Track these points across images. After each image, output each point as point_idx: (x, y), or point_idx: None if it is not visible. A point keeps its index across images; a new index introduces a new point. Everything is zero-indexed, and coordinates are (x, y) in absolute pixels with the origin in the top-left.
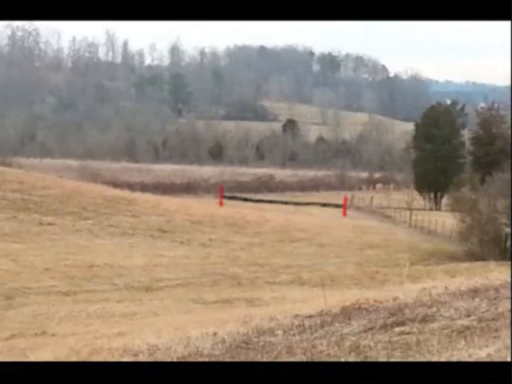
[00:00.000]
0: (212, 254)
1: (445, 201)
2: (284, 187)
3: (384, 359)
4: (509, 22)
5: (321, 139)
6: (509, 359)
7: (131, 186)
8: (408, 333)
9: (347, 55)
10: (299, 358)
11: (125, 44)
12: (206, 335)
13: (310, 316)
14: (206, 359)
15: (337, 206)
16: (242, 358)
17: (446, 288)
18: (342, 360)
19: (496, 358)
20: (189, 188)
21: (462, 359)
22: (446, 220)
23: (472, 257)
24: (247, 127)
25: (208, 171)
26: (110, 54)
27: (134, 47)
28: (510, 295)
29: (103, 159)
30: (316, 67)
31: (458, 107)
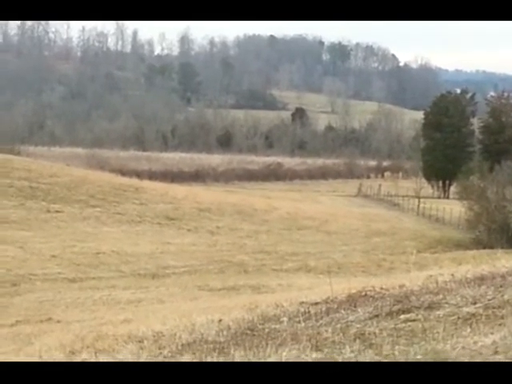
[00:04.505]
0: (219, 241)
1: (453, 189)
2: (293, 175)
3: (389, 346)
4: None
5: (330, 128)
6: None
7: (139, 174)
8: (414, 320)
9: (357, 44)
10: (304, 344)
11: (134, 33)
12: (211, 322)
13: (316, 303)
14: (211, 346)
15: (345, 193)
16: (247, 345)
17: (453, 275)
18: (347, 347)
19: (501, 345)
20: (197, 176)
21: (468, 346)
22: (453, 208)
23: (479, 245)
24: (256, 116)
25: (217, 159)
26: (120, 43)
27: (143, 37)
28: None
29: (112, 148)
30: (326, 56)
31: (468, 96)
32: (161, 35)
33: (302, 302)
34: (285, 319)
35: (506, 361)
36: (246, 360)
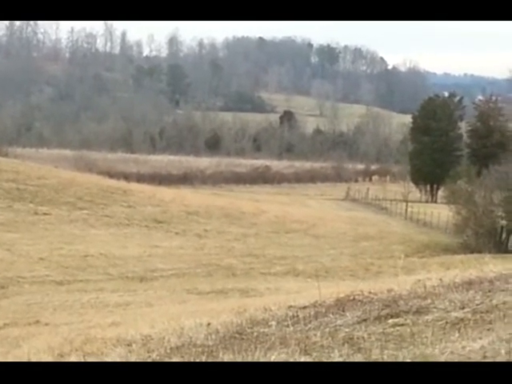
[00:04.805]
0: (207, 244)
1: (441, 193)
2: (280, 178)
3: (378, 351)
4: None
5: (318, 131)
6: (502, 352)
7: (127, 177)
8: (402, 324)
9: (346, 47)
10: (293, 348)
11: (123, 35)
12: (199, 325)
13: (304, 307)
14: (200, 349)
15: (333, 197)
16: (236, 349)
17: (441, 280)
18: (336, 351)
19: (489, 350)
20: (185, 179)
21: (456, 351)
22: (441, 212)
23: (467, 249)
24: (244, 118)
25: (205, 162)
26: (108, 44)
27: (132, 38)
28: (504, 288)
29: (100, 150)
30: (314, 59)
31: (456, 99)
32: (149, 36)
33: (291, 306)
34: (273, 323)
35: (496, 361)
36: None
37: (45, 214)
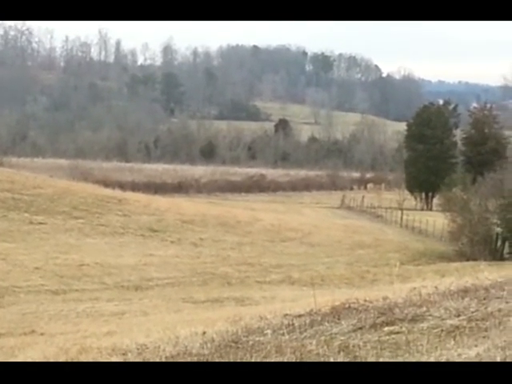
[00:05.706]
0: (202, 253)
1: (436, 201)
2: (275, 187)
3: (373, 359)
4: (502, 23)
5: (313, 139)
6: (498, 359)
7: (122, 186)
8: (397, 332)
9: (340, 55)
10: (288, 357)
11: (117, 43)
12: (195, 334)
13: (300, 315)
14: (195, 359)
15: (328, 205)
16: (231, 358)
17: (436, 288)
18: (331, 360)
19: (485, 358)
20: (180, 187)
21: (452, 359)
22: (436, 220)
23: (462, 257)
24: (239, 127)
25: (200, 171)
26: (103, 53)
27: (126, 47)
28: (499, 295)
29: (95, 158)
30: (309, 67)
31: (451, 107)
32: (144, 45)
33: (286, 315)
34: (269, 332)
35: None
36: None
37: (40, 223)
